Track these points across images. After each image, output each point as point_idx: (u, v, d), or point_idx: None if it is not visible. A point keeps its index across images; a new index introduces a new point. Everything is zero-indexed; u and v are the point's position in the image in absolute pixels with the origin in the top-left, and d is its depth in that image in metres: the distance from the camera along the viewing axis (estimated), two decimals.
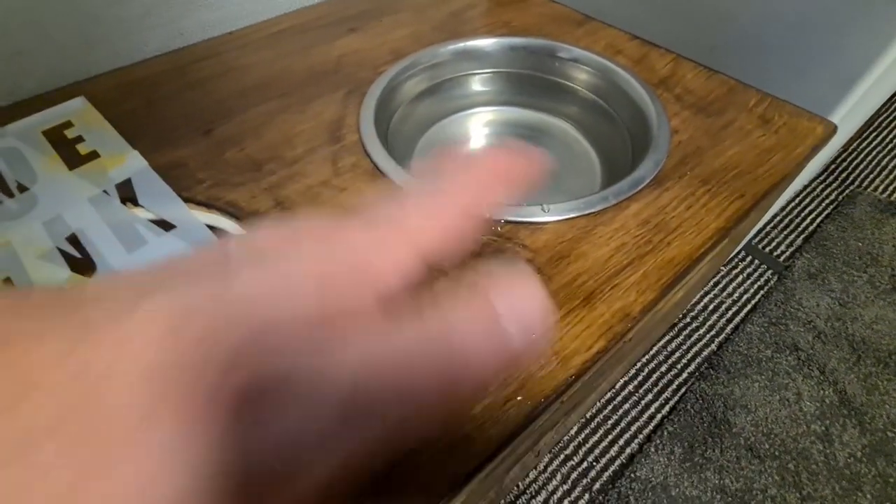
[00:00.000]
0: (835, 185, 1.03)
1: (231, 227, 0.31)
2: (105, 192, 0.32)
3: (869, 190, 1.02)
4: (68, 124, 0.37)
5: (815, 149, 0.37)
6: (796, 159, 0.35)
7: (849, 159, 1.08)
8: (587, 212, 0.31)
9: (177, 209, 0.31)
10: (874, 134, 1.14)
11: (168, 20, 0.46)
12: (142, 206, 0.31)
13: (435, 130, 0.44)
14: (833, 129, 0.37)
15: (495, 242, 0.30)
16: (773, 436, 0.69)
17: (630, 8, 0.56)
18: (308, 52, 0.45)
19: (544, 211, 0.31)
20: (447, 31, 0.47)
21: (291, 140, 0.37)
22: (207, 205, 0.32)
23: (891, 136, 1.13)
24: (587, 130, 0.44)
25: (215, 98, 0.41)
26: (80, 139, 0.36)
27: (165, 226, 0.30)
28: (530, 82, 0.45)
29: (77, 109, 0.39)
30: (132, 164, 0.34)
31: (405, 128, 0.42)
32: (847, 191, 1.02)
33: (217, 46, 0.47)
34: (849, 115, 0.52)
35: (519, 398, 0.23)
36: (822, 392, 0.73)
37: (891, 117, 1.18)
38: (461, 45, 0.44)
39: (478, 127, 0.46)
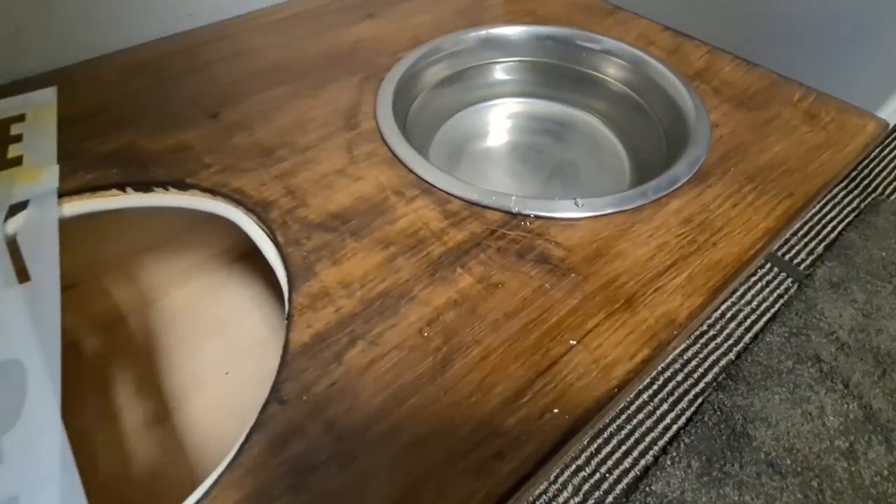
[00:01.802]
0: (856, 192, 1.00)
1: (238, 215, 0.29)
2: None
3: (892, 198, 0.99)
4: (20, 118, 0.35)
5: (867, 147, 0.34)
6: (847, 157, 0.32)
7: (870, 166, 1.05)
8: (624, 208, 0.29)
9: (44, 260, 0.26)
10: (889, 140, 1.11)
11: (177, 1, 0.44)
12: (17, 241, 0.27)
13: (455, 120, 0.42)
14: (885, 126, 0.35)
15: (524, 239, 0.27)
16: (795, 451, 0.66)
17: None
18: (323, 37, 0.43)
19: (577, 206, 0.28)
20: (469, 19, 0.45)
21: (304, 125, 0.34)
22: (213, 191, 0.29)
23: None
24: (616, 125, 0.41)
25: (224, 81, 0.39)
26: (18, 138, 0.33)
27: (22, 275, 0.25)
28: (557, 73, 0.42)
29: (38, 103, 0.36)
30: (44, 182, 0.30)
31: (424, 117, 0.40)
32: (869, 199, 0.99)
33: (227, 29, 0.45)
34: (891, 117, 0.49)
35: (556, 410, 0.21)
36: (845, 406, 0.70)
37: None
38: (485, 32, 0.42)
39: (500, 119, 0.43)
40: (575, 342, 0.23)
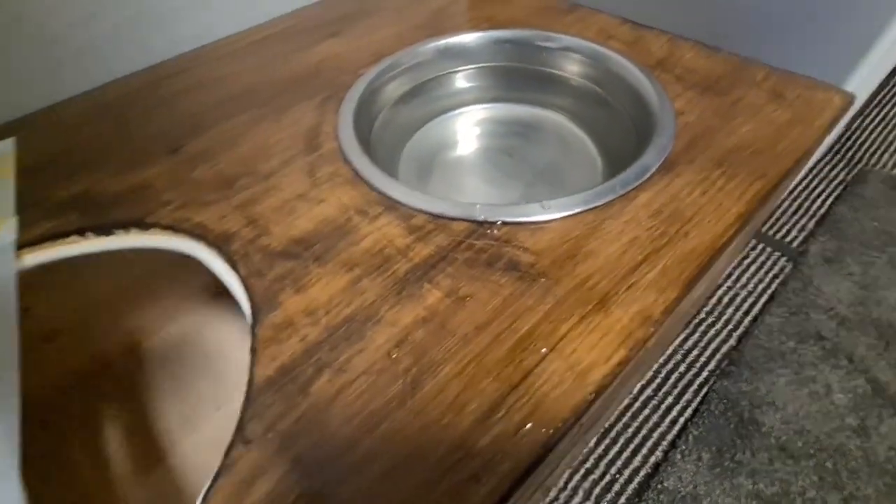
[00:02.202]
0: (841, 164, 1.00)
1: (200, 250, 0.28)
2: None
3: (878, 167, 0.98)
4: None
5: (835, 120, 0.34)
6: (816, 132, 0.32)
7: (853, 138, 1.05)
8: (592, 205, 0.28)
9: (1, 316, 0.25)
10: (876, 111, 1.11)
11: (138, 38, 0.44)
12: None
13: (422, 133, 0.41)
14: (851, 99, 0.34)
15: (492, 247, 0.27)
16: (805, 433, 0.64)
17: None
18: (287, 60, 0.43)
19: (544, 208, 0.28)
20: (430, 29, 0.45)
21: (267, 151, 0.34)
22: (173, 228, 0.29)
23: (893, 112, 1.10)
24: (583, 121, 0.41)
25: (186, 113, 0.38)
26: None
27: None
28: (518, 75, 0.42)
29: None
30: (0, 236, 0.29)
31: (390, 133, 0.40)
32: (855, 170, 0.98)
33: (190, 60, 0.45)
34: (857, 90, 0.49)
35: (530, 425, 0.20)
36: (852, 382, 0.69)
37: (891, 93, 1.15)
38: (442, 42, 0.41)
39: (467, 127, 0.43)
40: (548, 350, 0.22)
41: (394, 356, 0.22)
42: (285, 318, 0.24)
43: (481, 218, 0.28)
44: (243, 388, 0.49)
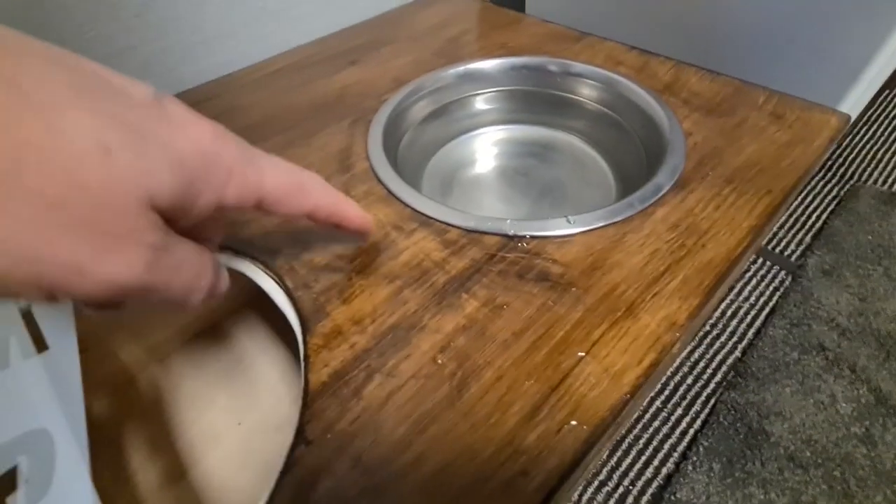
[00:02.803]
0: (834, 180, 1.04)
1: (245, 265, 0.30)
2: None
3: (869, 183, 1.02)
4: None
5: (832, 140, 0.36)
6: (817, 151, 0.34)
7: (844, 154, 1.09)
8: (614, 220, 0.30)
9: (61, 326, 0.26)
10: (864, 128, 1.15)
11: (167, 69, 0.46)
12: (32, 310, 0.27)
13: (444, 152, 0.44)
14: (847, 120, 0.37)
15: (523, 259, 0.28)
16: (813, 442, 0.66)
17: (622, 23, 0.57)
18: (309, 87, 0.45)
19: (570, 222, 0.30)
20: (446, 57, 0.47)
21: None
22: (221, 245, 0.30)
23: (882, 129, 1.15)
24: (597, 142, 0.43)
25: None
26: None
27: (40, 344, 0.26)
28: (535, 99, 0.45)
29: None
30: None
31: (413, 152, 0.42)
32: (848, 185, 1.02)
33: (215, 88, 0.47)
34: (850, 110, 0.52)
35: (573, 423, 0.21)
36: (856, 392, 0.70)
37: (878, 111, 1.20)
38: (462, 67, 0.44)
39: (485, 146, 0.45)
40: (583, 353, 0.24)
41: (439, 361, 0.24)
42: (334, 327, 0.25)
43: (511, 232, 0.30)
44: (265, 402, 0.50)
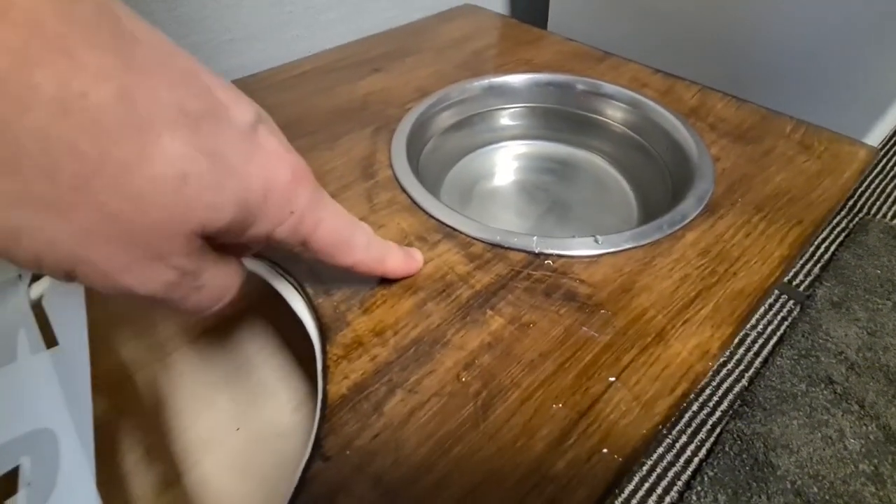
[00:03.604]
0: (844, 213, 1.03)
1: (263, 269, 0.29)
2: (20, 275, 0.28)
3: (878, 217, 1.02)
4: None
5: (860, 173, 0.36)
6: (847, 183, 0.34)
7: (853, 187, 1.09)
8: (642, 242, 0.29)
9: (72, 323, 0.25)
10: (876, 162, 1.16)
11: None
12: (42, 305, 0.27)
13: (464, 163, 0.43)
14: (875, 153, 0.37)
15: (549, 278, 0.28)
16: (820, 478, 0.64)
17: (646, 45, 0.57)
18: (333, 92, 0.45)
19: (597, 243, 0.29)
20: (470, 70, 0.47)
21: (323, 177, 0.35)
22: None
23: (892, 164, 1.15)
24: (620, 164, 0.43)
25: None
26: None
27: (49, 340, 0.25)
28: (559, 116, 0.45)
29: None
30: None
31: (434, 161, 0.41)
32: (857, 219, 1.02)
33: (241, 87, 0.47)
34: (875, 142, 0.51)
35: (605, 450, 0.20)
36: (864, 428, 0.69)
37: (890, 145, 1.20)
38: (488, 81, 0.44)
39: (506, 160, 0.45)
40: (614, 378, 0.23)
41: (463, 379, 0.23)
42: (354, 338, 0.25)
43: (537, 250, 0.29)
44: (265, 409, 0.49)
